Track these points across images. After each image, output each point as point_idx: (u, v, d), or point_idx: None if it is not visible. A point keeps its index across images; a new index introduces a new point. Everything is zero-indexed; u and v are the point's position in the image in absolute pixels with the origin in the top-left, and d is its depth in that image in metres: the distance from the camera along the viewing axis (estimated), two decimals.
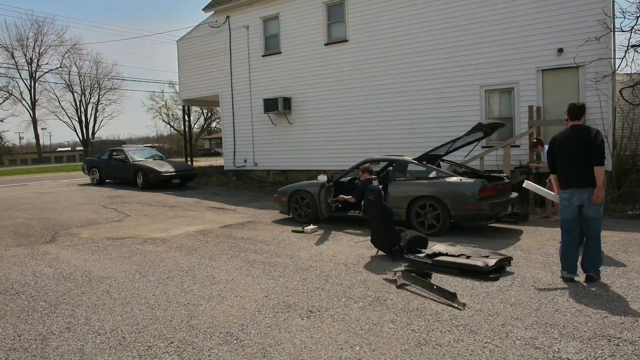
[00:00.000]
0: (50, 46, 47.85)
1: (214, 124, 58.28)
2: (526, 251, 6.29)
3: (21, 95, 47.09)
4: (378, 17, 12.76)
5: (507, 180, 8.08)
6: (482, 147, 10.76)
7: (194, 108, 44.22)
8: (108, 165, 16.15)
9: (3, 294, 5.00)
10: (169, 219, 9.58)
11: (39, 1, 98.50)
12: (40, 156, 53.74)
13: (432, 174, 7.97)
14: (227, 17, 15.91)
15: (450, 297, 4.39)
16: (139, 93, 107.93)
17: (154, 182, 14.53)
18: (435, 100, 11.95)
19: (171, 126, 56.37)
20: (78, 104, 52.36)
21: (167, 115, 55.34)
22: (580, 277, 4.94)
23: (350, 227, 8.28)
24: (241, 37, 15.68)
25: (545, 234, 7.43)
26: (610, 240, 6.81)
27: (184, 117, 24.14)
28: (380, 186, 6.61)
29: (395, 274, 5.12)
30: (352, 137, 13.44)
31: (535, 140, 9.25)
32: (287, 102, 14.50)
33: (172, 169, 15.09)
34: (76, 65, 63.59)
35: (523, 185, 5.99)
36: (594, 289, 4.65)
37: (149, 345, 3.66)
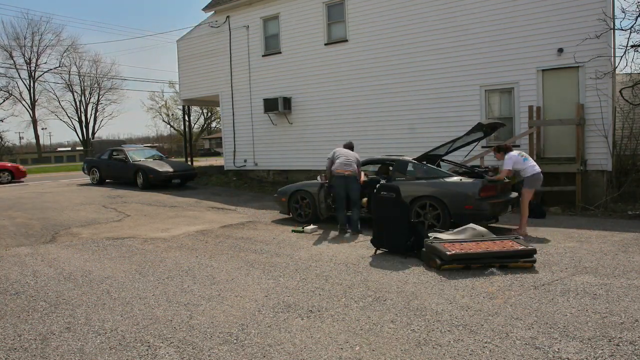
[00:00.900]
0: (48, 46, 47.79)
1: (214, 124, 58.29)
2: None
3: (21, 95, 47.12)
4: (378, 17, 12.76)
5: (507, 180, 8.08)
6: (482, 147, 10.75)
7: (194, 108, 44.23)
8: (108, 165, 16.14)
9: (3, 294, 5.00)
10: (169, 219, 9.58)
11: (39, 1, 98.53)
12: (40, 156, 53.75)
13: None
14: (227, 17, 15.92)
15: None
16: (139, 93, 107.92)
17: (154, 182, 14.52)
18: (435, 100, 11.95)
19: (171, 126, 56.37)
20: (78, 104, 52.39)
21: (167, 115, 55.35)
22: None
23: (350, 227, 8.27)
24: (241, 37, 15.68)
25: (544, 234, 7.43)
26: (610, 240, 6.81)
27: (184, 117, 24.13)
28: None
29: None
30: (352, 137, 13.40)
31: (498, 146, 7.82)
32: (287, 102, 14.51)
33: (172, 169, 15.09)
34: (76, 65, 63.63)
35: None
36: (594, 289, 4.65)
37: (149, 345, 3.66)
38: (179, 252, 6.70)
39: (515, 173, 7.70)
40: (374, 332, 3.79)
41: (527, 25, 10.61)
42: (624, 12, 9.45)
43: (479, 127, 7.84)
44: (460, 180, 7.59)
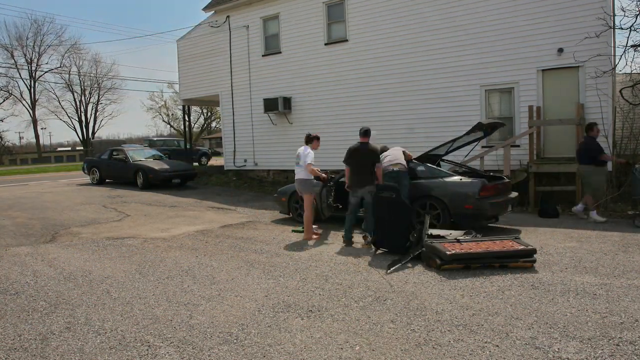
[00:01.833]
0: (50, 46, 47.73)
1: (214, 124, 58.24)
2: None
3: (21, 95, 47.07)
4: (378, 17, 12.75)
5: (507, 180, 8.08)
6: (482, 147, 10.75)
7: (193, 108, 44.21)
8: (108, 165, 16.15)
9: (3, 293, 5.00)
10: (169, 219, 9.58)
11: (40, 1, 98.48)
12: (40, 156, 53.72)
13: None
14: (227, 16, 15.91)
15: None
16: (139, 93, 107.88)
17: (154, 182, 14.52)
18: (435, 100, 11.95)
19: (171, 126, 56.35)
20: (78, 103, 52.38)
21: (167, 115, 55.32)
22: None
23: None
24: (241, 37, 15.68)
25: (544, 234, 7.43)
26: (610, 240, 6.81)
27: (184, 117, 24.14)
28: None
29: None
30: (352, 136, 13.38)
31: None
32: (287, 101, 14.50)
33: (172, 169, 15.09)
34: (76, 65, 63.64)
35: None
36: (594, 289, 4.65)
37: (149, 344, 3.66)
38: (179, 252, 6.70)
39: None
40: (374, 332, 3.79)
41: (527, 25, 10.60)
42: (623, 10, 9.43)
43: (479, 126, 7.84)
44: (461, 180, 7.59)
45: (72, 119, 52.91)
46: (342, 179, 8.95)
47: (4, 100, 44.92)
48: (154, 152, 17.25)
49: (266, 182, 15.24)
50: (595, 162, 8.37)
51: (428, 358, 3.34)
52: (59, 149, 74.46)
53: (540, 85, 10.66)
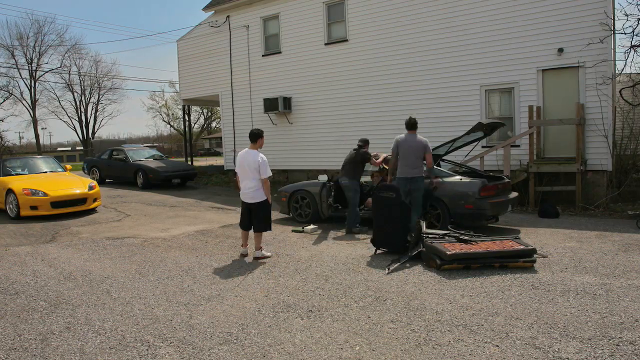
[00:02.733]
0: (50, 46, 47.64)
1: (214, 124, 58.25)
2: None
3: (21, 95, 46.96)
4: (378, 17, 12.76)
5: (507, 180, 8.08)
6: (482, 147, 10.75)
7: (194, 108, 44.22)
8: (108, 165, 16.15)
9: (3, 293, 5.00)
10: (169, 219, 9.58)
11: (42, 1, 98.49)
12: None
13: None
14: (227, 16, 15.91)
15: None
16: (139, 93, 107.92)
17: (154, 182, 14.53)
18: (435, 100, 11.95)
19: (171, 126, 56.32)
20: (78, 103, 52.32)
21: (167, 115, 55.30)
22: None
23: None
24: (241, 37, 15.68)
25: (544, 234, 7.43)
26: (610, 240, 6.81)
27: (184, 117, 24.13)
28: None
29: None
30: (352, 136, 13.41)
31: None
32: (287, 101, 14.50)
33: (172, 169, 15.09)
34: (76, 65, 63.56)
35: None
36: (594, 289, 4.65)
37: (149, 344, 3.66)
38: (179, 252, 6.70)
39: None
40: (374, 332, 3.79)
41: (527, 25, 10.60)
42: (626, 15, 9.41)
43: (479, 126, 7.84)
44: (461, 179, 7.59)
45: (72, 119, 52.89)
46: (342, 179, 8.95)
47: (5, 100, 44.86)
48: (154, 152, 17.26)
49: None
50: None
51: (428, 358, 3.34)
52: (59, 148, 74.42)
53: (540, 85, 10.66)
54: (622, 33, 9.83)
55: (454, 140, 8.43)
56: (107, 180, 16.41)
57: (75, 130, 52.82)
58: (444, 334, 3.70)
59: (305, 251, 6.62)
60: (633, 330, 3.68)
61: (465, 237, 5.94)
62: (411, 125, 7.07)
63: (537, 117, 10.35)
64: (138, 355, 3.50)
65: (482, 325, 3.85)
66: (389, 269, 5.47)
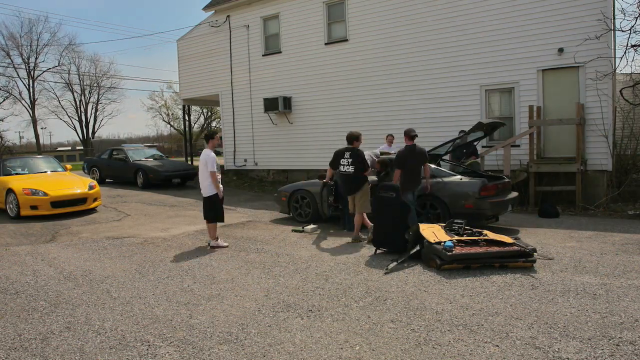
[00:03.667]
0: (46, 44, 47.58)
1: (214, 124, 58.20)
2: None
3: (20, 95, 46.92)
4: (378, 17, 12.75)
5: (507, 180, 8.08)
6: (483, 146, 10.75)
7: (193, 107, 44.18)
8: (108, 165, 16.15)
9: (3, 293, 5.01)
10: (169, 219, 9.58)
11: (39, 1, 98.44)
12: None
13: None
14: (227, 16, 15.91)
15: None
16: (139, 92, 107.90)
17: (154, 182, 14.52)
18: (435, 100, 11.95)
19: (171, 126, 56.25)
20: (78, 103, 52.30)
21: (167, 115, 55.24)
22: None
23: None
24: (241, 37, 15.68)
25: (544, 234, 7.43)
26: (610, 240, 6.81)
27: (184, 117, 24.14)
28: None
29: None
30: None
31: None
32: (287, 101, 14.51)
33: (172, 169, 15.09)
34: (75, 64, 63.52)
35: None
36: (594, 289, 4.65)
37: (149, 344, 3.66)
38: (179, 252, 6.70)
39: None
40: (374, 332, 3.79)
41: (527, 25, 10.60)
42: (623, 13, 9.45)
43: (479, 126, 7.85)
44: (461, 179, 7.59)
45: (72, 119, 52.87)
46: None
47: (4, 100, 44.81)
48: (154, 151, 17.26)
49: (266, 182, 15.23)
50: None
51: (428, 358, 3.34)
52: (59, 148, 74.42)
53: (540, 85, 10.66)
54: (620, 30, 9.85)
55: (454, 140, 8.44)
56: (107, 180, 16.40)
57: (75, 130, 52.81)
58: (444, 334, 3.70)
59: (305, 251, 6.62)
60: (633, 330, 3.68)
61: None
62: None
63: (537, 117, 10.35)
64: (138, 354, 3.50)
65: (482, 325, 3.85)
66: (387, 268, 5.47)
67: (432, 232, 5.93)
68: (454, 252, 5.38)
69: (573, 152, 9.96)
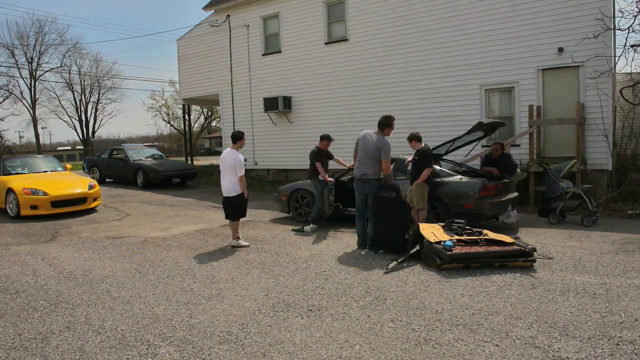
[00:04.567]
0: (51, 45, 47.59)
1: (214, 123, 58.19)
2: None
3: (21, 94, 46.93)
4: (378, 17, 12.75)
5: (506, 180, 8.08)
6: (483, 146, 10.75)
7: (194, 107, 44.17)
8: (108, 165, 16.16)
9: (3, 292, 5.01)
10: (169, 218, 9.58)
11: (43, 0, 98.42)
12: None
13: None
14: (227, 16, 15.91)
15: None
16: (139, 92, 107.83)
17: (154, 181, 14.53)
18: (435, 100, 11.95)
19: (171, 125, 56.26)
20: (78, 103, 52.31)
21: (167, 114, 55.25)
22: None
23: (350, 226, 8.27)
24: (241, 36, 15.68)
25: (544, 234, 7.43)
26: (610, 240, 6.81)
27: (184, 116, 24.12)
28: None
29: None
30: (352, 136, 13.40)
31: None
32: (287, 101, 14.51)
33: (172, 168, 15.09)
34: (76, 64, 63.49)
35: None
36: (593, 289, 4.65)
37: (149, 344, 3.66)
38: (179, 251, 6.70)
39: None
40: (374, 332, 3.79)
41: (527, 24, 10.59)
42: (621, 12, 9.45)
43: (479, 126, 7.84)
44: (461, 179, 7.59)
45: (72, 118, 52.87)
46: (342, 178, 8.97)
47: (4, 100, 44.83)
48: (154, 151, 17.26)
49: (266, 182, 15.23)
50: None
51: (428, 357, 3.34)
52: (59, 148, 74.37)
53: (540, 84, 10.65)
54: (618, 29, 9.85)
55: (454, 140, 8.43)
56: (107, 179, 16.41)
57: (75, 130, 52.82)
58: (444, 333, 3.71)
59: (305, 251, 6.62)
60: (633, 329, 3.69)
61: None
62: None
63: (537, 116, 10.35)
64: (138, 354, 3.50)
65: (482, 324, 3.85)
66: (387, 268, 5.47)
67: (432, 232, 5.93)
68: (453, 251, 5.38)
69: (573, 152, 9.95)
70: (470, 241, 5.70)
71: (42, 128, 58.98)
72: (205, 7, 16.62)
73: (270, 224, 8.89)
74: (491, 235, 5.87)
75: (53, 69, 48.48)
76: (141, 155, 15.97)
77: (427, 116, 12.06)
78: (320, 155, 8.39)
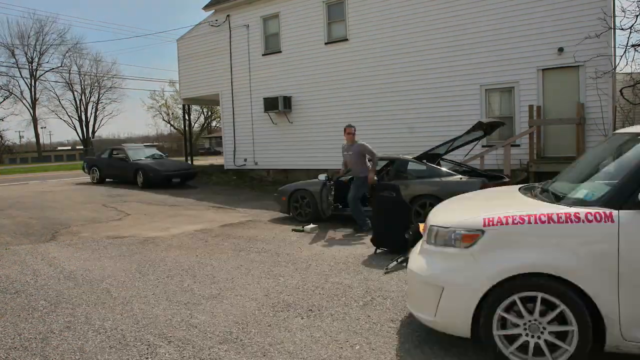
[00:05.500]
0: (51, 45, 47.69)
1: (214, 123, 58.23)
2: None
3: (21, 94, 47.05)
4: (378, 17, 12.76)
5: (507, 179, 8.08)
6: (482, 146, 10.75)
7: (194, 107, 44.20)
8: (108, 164, 16.16)
9: (3, 292, 5.01)
10: (169, 218, 9.58)
11: (44, 0, 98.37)
12: (40, 155, 53.72)
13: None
14: (227, 16, 15.91)
15: None
16: (140, 92, 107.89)
17: (154, 181, 14.53)
18: (435, 100, 11.95)
19: (171, 125, 56.31)
20: (78, 102, 52.39)
21: (167, 114, 55.28)
22: None
23: (350, 226, 8.28)
24: (241, 36, 15.68)
25: None
26: None
27: (184, 116, 24.14)
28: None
29: None
30: None
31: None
32: (287, 101, 14.51)
33: (172, 168, 15.10)
34: (76, 64, 63.46)
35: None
36: None
37: (149, 344, 3.66)
38: (179, 251, 6.70)
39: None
40: (374, 331, 3.79)
41: (527, 24, 10.60)
42: (623, 11, 9.46)
43: (479, 126, 7.85)
44: (461, 179, 7.59)
45: (72, 118, 52.97)
46: (342, 178, 8.97)
47: (5, 99, 44.92)
48: (154, 151, 17.26)
49: (266, 182, 15.24)
50: None
51: (428, 357, 3.34)
52: (59, 148, 74.43)
53: (540, 84, 10.66)
54: (620, 29, 9.85)
55: (453, 140, 8.44)
56: (107, 179, 16.42)
57: (75, 130, 52.93)
58: (444, 333, 3.70)
59: (305, 250, 6.62)
60: None
61: None
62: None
63: (537, 116, 10.36)
64: (138, 354, 3.50)
65: None
66: (387, 268, 5.47)
67: None
68: None
69: (573, 152, 9.96)
70: None
71: (42, 128, 59.07)
72: (205, 7, 16.62)
73: (270, 224, 8.89)
74: None
75: (53, 68, 48.62)
76: (141, 155, 15.98)
77: (427, 116, 12.06)
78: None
